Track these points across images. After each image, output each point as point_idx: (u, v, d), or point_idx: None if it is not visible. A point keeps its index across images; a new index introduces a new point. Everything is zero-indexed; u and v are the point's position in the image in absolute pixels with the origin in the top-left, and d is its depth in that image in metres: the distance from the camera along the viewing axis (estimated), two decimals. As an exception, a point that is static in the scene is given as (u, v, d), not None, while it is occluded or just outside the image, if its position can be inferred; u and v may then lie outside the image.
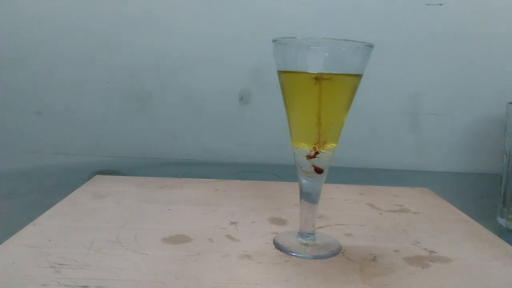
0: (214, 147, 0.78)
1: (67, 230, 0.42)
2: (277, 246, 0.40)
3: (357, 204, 0.54)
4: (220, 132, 0.78)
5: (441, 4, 0.72)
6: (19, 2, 0.74)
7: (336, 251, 0.40)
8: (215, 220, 0.46)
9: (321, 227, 0.46)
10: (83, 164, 0.74)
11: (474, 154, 0.77)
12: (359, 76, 0.37)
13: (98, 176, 0.61)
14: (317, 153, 0.38)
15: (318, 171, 0.38)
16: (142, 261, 0.36)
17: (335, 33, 0.65)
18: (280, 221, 0.47)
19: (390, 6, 0.73)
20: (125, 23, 0.74)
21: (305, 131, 0.38)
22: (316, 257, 0.38)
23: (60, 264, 0.35)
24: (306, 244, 0.41)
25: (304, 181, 0.40)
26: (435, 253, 0.40)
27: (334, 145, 0.38)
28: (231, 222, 0.46)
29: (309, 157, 0.38)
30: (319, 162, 0.38)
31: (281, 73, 0.38)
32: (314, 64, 0.36)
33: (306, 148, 0.38)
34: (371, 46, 0.36)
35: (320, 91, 0.36)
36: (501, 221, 0.50)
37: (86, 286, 0.32)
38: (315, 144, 0.37)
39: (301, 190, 0.40)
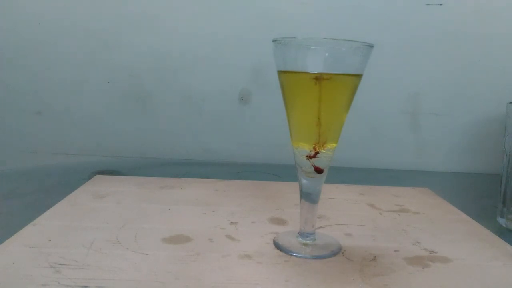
0: (214, 147, 0.78)
1: (67, 230, 0.42)
2: (277, 246, 0.40)
3: (357, 204, 0.54)
4: (220, 132, 0.78)
5: (441, 4, 0.72)
6: (19, 2, 0.74)
7: (336, 251, 0.40)
8: (215, 220, 0.46)
9: (321, 227, 0.46)
10: (83, 164, 0.74)
11: (474, 154, 0.77)
12: (359, 76, 0.37)
13: (98, 176, 0.61)
14: (317, 153, 0.38)
15: (318, 171, 0.38)
16: (142, 261, 0.36)
17: (335, 33, 0.65)
18: (280, 221, 0.47)
19: (390, 6, 0.73)
20: (125, 23, 0.74)
21: (305, 131, 0.38)
22: (316, 257, 0.38)
23: (60, 264, 0.35)
24: (306, 244, 0.41)
25: (304, 181, 0.40)
26: (435, 253, 0.40)
27: (334, 145, 0.38)
28: (231, 222, 0.46)
29: (309, 157, 0.38)
30: (319, 162, 0.38)
31: (281, 73, 0.38)
32: (314, 64, 0.36)
33: (306, 148, 0.38)
34: (371, 46, 0.36)
35: (320, 91, 0.36)
36: (501, 221, 0.50)
37: (86, 286, 0.32)
38: (315, 144, 0.37)
39: (301, 190, 0.40)
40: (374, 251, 0.40)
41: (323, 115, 0.36)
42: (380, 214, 0.51)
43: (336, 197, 0.56)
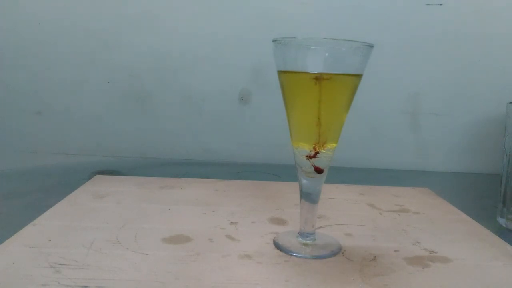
0: (214, 147, 0.78)
1: (67, 230, 0.42)
2: (277, 246, 0.40)
3: (357, 204, 0.54)
4: (220, 132, 0.78)
5: (441, 4, 0.72)
6: (19, 2, 0.74)
7: (336, 251, 0.40)
8: (215, 220, 0.46)
9: (321, 227, 0.46)
10: (83, 164, 0.74)
11: (474, 154, 0.77)
12: (359, 76, 0.37)
13: (98, 176, 0.61)
14: (317, 153, 0.38)
15: (318, 171, 0.38)
16: (142, 261, 0.36)
17: (335, 33, 0.65)
18: (280, 221, 0.47)
19: (390, 6, 0.73)
20: (125, 23, 0.74)
21: (305, 131, 0.38)
22: (316, 257, 0.38)
23: (60, 264, 0.35)
24: (306, 244, 0.41)
25: (304, 181, 0.40)
26: (435, 253, 0.40)
27: (334, 145, 0.38)
28: (231, 222, 0.46)
29: (309, 157, 0.38)
30: (319, 162, 0.38)
31: (281, 73, 0.38)
32: (314, 64, 0.36)
33: (306, 148, 0.38)
34: (371, 46, 0.36)
35: (320, 91, 0.36)
36: (501, 221, 0.50)
37: (86, 286, 0.32)
38: (315, 144, 0.37)
39: (301, 190, 0.40)
40: (374, 251, 0.40)
41: (323, 115, 0.36)
42: (380, 214, 0.51)
43: (336, 197, 0.56)
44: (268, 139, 0.77)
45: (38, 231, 0.41)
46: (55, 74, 0.76)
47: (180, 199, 0.53)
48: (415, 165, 0.77)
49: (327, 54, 0.36)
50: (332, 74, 0.35)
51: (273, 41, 0.37)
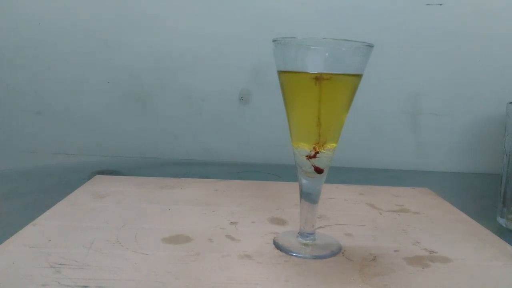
0: (214, 147, 0.78)
1: (67, 230, 0.42)
2: (277, 246, 0.40)
3: (357, 204, 0.54)
4: (220, 132, 0.78)
5: (441, 4, 0.72)
6: (19, 2, 0.74)
7: (336, 251, 0.40)
8: (215, 220, 0.46)
9: (321, 227, 0.46)
10: (83, 164, 0.74)
11: (474, 154, 0.77)
12: (359, 76, 0.37)
13: (98, 176, 0.61)
14: (317, 153, 0.38)
15: (318, 171, 0.38)
16: (142, 261, 0.36)
17: (335, 33, 0.65)
18: (280, 221, 0.47)
19: (390, 6, 0.73)
20: (125, 23, 0.74)
21: (305, 131, 0.38)
22: (316, 257, 0.38)
23: (60, 264, 0.35)
24: (306, 244, 0.41)
25: (304, 181, 0.40)
26: (435, 253, 0.40)
27: (334, 145, 0.38)
28: (231, 222, 0.46)
29: (309, 157, 0.38)
30: (319, 162, 0.38)
31: (281, 73, 0.38)
32: (314, 64, 0.36)
33: (306, 148, 0.38)
34: (371, 46, 0.36)
35: (320, 91, 0.36)
36: (501, 221, 0.50)
37: (86, 286, 0.32)
38: (315, 144, 0.37)
39: (301, 190, 0.40)
40: (374, 251, 0.40)
41: (323, 115, 0.36)
42: (380, 214, 0.51)
43: (336, 197, 0.56)
44: (268, 139, 0.77)
45: (38, 231, 0.41)
46: (55, 74, 0.76)
47: (180, 199, 0.53)
48: (415, 165, 0.77)
49: (327, 54, 0.36)
50: (332, 74, 0.35)
51: (273, 41, 0.37)
